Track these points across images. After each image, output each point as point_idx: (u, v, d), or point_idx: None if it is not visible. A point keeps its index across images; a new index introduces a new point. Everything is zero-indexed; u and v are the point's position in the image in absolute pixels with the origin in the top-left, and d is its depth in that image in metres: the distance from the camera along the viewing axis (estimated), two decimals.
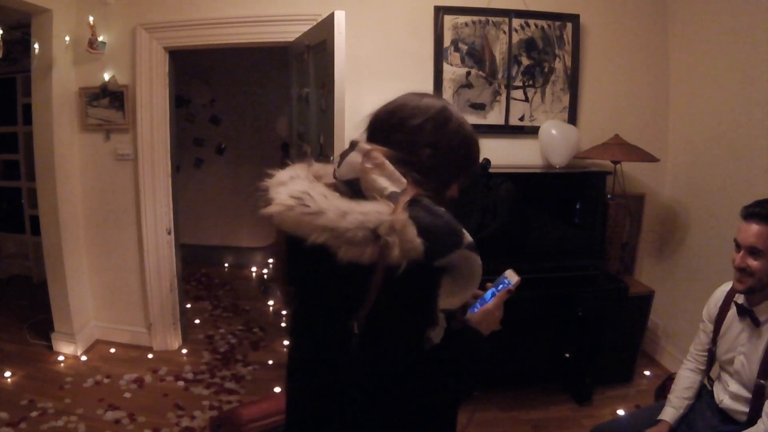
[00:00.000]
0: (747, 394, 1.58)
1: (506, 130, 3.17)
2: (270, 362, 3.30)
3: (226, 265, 5.30)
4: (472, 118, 3.11)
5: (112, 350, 3.36)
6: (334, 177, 1.02)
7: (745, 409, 1.59)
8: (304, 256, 0.94)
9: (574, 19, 3.12)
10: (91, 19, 2.94)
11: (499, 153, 3.10)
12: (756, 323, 1.58)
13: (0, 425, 2.51)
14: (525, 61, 3.14)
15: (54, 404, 2.71)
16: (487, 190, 3.04)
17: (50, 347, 3.30)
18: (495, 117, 3.15)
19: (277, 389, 2.97)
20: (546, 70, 3.16)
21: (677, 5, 3.14)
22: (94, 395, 2.82)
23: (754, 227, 1.52)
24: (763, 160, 2.52)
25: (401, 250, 0.84)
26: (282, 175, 0.99)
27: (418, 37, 3.06)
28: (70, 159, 3.21)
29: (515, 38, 3.10)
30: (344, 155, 0.99)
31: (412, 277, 0.85)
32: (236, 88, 5.06)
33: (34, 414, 2.61)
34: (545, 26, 3.12)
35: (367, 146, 0.96)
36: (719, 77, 2.83)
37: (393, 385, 0.96)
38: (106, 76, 3.11)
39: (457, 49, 3.07)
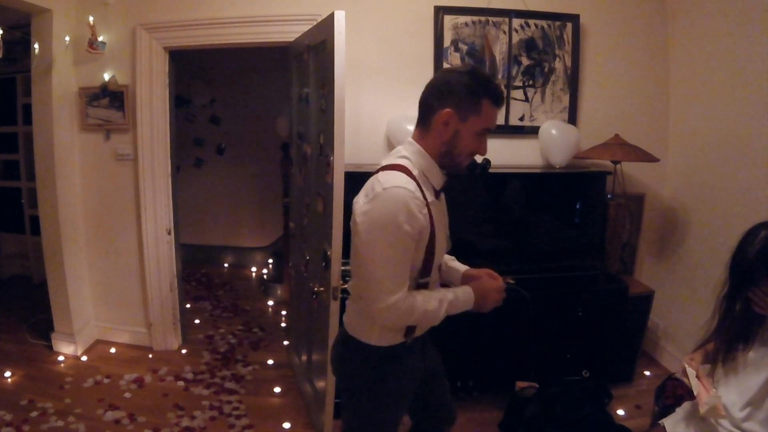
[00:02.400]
0: None
1: (506, 130, 3.17)
2: (270, 362, 3.30)
3: (226, 265, 5.31)
4: None
5: (112, 350, 3.36)
6: None
7: None
8: None
9: (574, 19, 3.12)
10: (91, 19, 2.94)
11: (499, 153, 3.10)
12: None
13: (0, 425, 2.51)
14: (525, 61, 3.14)
15: (54, 404, 2.71)
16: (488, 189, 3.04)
17: (50, 347, 3.31)
18: None
19: (278, 389, 2.97)
20: (546, 70, 3.16)
21: (677, 6, 3.14)
22: (94, 395, 2.83)
23: None
24: (763, 160, 2.52)
25: None
26: None
27: (418, 37, 3.06)
28: (70, 159, 3.21)
29: (515, 38, 3.10)
30: None
31: None
32: (236, 88, 5.06)
33: (34, 414, 2.61)
34: (545, 26, 3.12)
35: None
36: (719, 77, 2.83)
37: None
38: (106, 76, 3.11)
39: (457, 49, 3.07)
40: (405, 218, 1.28)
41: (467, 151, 1.42)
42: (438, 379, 1.74)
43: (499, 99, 1.39)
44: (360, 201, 1.37)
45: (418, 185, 1.35)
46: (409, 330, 1.48)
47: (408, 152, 1.42)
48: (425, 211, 1.34)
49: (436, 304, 1.41)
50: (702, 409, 1.55)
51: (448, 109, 1.36)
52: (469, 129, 1.38)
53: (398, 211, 1.28)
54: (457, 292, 1.48)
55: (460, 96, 1.36)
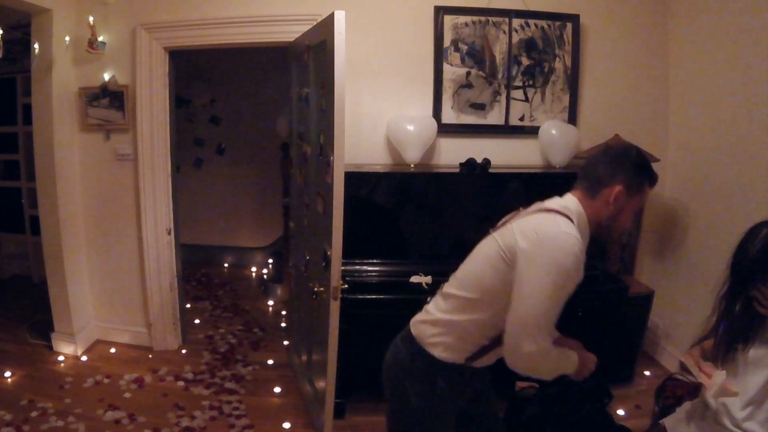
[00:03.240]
0: None
1: (506, 130, 3.17)
2: (270, 362, 3.30)
3: (226, 265, 5.31)
4: (472, 118, 3.11)
5: (112, 350, 3.36)
6: None
7: None
8: None
9: (574, 19, 3.12)
10: (91, 19, 2.94)
11: (499, 153, 3.10)
12: None
13: (0, 425, 2.51)
14: (525, 61, 3.14)
15: (54, 404, 2.71)
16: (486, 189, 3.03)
17: (50, 347, 3.31)
18: (495, 117, 3.14)
19: (278, 389, 2.97)
20: (546, 70, 3.16)
21: (677, 5, 3.14)
22: (94, 395, 2.83)
23: None
24: (763, 159, 2.52)
25: None
26: None
27: (418, 37, 3.06)
28: (70, 159, 3.21)
29: (515, 38, 3.10)
30: None
31: None
32: (236, 88, 5.06)
33: (34, 414, 2.61)
34: (545, 26, 3.12)
35: None
36: (719, 77, 2.83)
37: None
38: (106, 76, 3.11)
39: (457, 49, 3.07)
40: (573, 267, 1.31)
41: (623, 226, 1.47)
42: (485, 419, 1.71)
43: (655, 181, 1.47)
44: (528, 231, 1.35)
45: None
46: (474, 356, 1.47)
47: (573, 209, 1.42)
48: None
49: (565, 359, 1.44)
50: (710, 392, 1.52)
51: (620, 187, 1.40)
52: (631, 207, 1.44)
53: (571, 258, 1.30)
54: (570, 354, 1.48)
55: (630, 174, 1.41)
